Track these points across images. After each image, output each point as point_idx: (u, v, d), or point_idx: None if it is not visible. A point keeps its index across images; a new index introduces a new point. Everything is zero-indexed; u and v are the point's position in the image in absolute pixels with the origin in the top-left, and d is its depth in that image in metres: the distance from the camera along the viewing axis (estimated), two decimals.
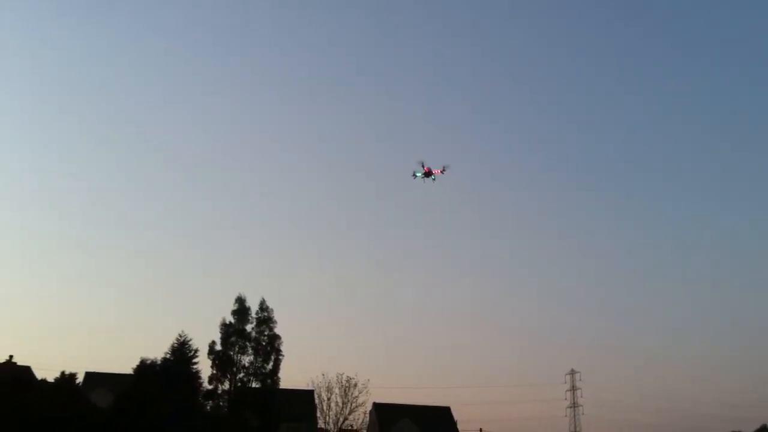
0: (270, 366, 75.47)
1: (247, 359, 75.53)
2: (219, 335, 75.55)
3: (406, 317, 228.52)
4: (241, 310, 76.19)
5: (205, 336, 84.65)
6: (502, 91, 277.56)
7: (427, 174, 68.75)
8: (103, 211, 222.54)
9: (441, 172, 68.99)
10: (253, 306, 77.19)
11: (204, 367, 74.60)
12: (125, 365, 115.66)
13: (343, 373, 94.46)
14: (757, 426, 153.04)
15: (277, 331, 76.42)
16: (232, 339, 75.08)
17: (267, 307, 76.72)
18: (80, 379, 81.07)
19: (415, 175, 68.44)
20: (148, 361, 71.64)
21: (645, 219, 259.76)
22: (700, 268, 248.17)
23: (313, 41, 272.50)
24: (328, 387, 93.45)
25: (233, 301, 77.35)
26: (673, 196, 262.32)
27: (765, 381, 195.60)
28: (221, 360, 74.80)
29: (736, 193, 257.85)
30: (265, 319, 76.22)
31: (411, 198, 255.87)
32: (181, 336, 73.47)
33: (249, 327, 76.18)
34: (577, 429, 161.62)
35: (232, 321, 76.10)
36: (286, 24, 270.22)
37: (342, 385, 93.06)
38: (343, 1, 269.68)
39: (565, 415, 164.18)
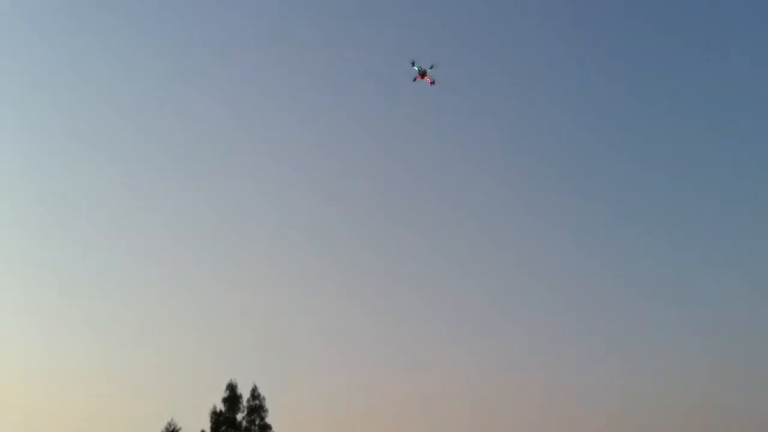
0: None
1: None
2: (209, 424, 73.86)
3: (413, 407, 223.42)
4: (231, 397, 74.65)
5: (194, 424, 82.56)
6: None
7: (420, 77, 69.04)
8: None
9: (431, 83, 68.39)
10: (245, 393, 75.74)
11: None
12: None
13: None
14: None
15: (269, 420, 74.88)
16: (223, 428, 73.38)
17: (259, 395, 75.11)
18: None
19: (414, 65, 68.90)
20: None
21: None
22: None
23: None
24: None
25: (224, 387, 75.91)
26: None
27: None
28: None
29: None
30: (257, 408, 74.58)
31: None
32: (170, 425, 72.07)
33: (240, 415, 74.55)
34: None
35: (223, 409, 74.49)
36: None
37: None
38: None
39: None
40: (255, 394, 75.16)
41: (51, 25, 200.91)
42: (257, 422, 73.83)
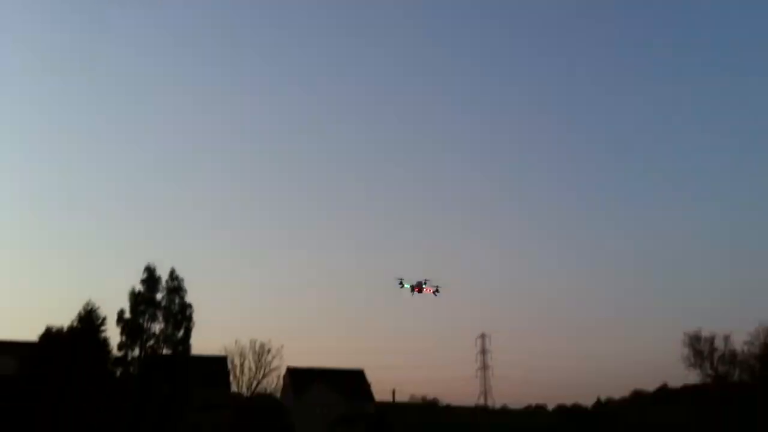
0: (181, 333, 75.42)
1: (157, 327, 75.25)
2: (128, 304, 74.90)
3: (320, 282, 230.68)
4: (150, 278, 75.50)
5: (113, 305, 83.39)
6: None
7: (416, 290, 62.10)
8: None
9: (433, 292, 61.00)
10: (164, 275, 76.68)
11: (113, 335, 74.20)
12: (30, 334, 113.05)
13: (257, 339, 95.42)
14: (658, 384, 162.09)
15: (188, 299, 76.36)
16: (142, 307, 74.50)
17: (177, 276, 76.29)
18: None
19: (402, 285, 62.06)
20: (54, 329, 70.79)
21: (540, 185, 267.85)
22: (605, 224, 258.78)
23: None
24: (241, 353, 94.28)
25: (142, 270, 76.60)
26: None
27: (668, 341, 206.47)
28: (130, 328, 74.17)
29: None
30: (176, 288, 75.83)
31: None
32: (88, 304, 72.93)
33: (159, 296, 75.74)
34: (487, 389, 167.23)
35: (142, 290, 75.44)
36: None
37: (255, 351, 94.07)
38: None
39: (476, 377, 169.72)
40: (173, 276, 76.25)
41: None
42: (176, 301, 75.24)
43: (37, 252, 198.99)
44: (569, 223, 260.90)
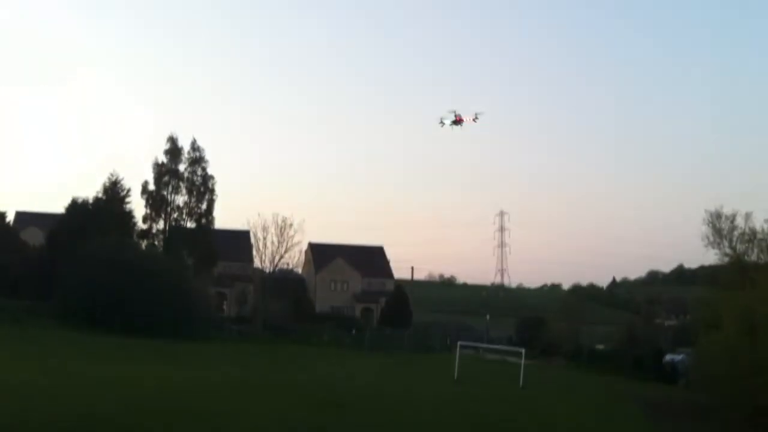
0: (204, 206, 76.06)
1: (181, 199, 75.94)
2: (152, 175, 75.23)
3: (342, 160, 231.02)
4: (173, 149, 75.32)
5: (137, 176, 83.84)
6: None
7: (457, 122, 62.19)
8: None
9: (473, 120, 60.23)
10: (186, 146, 76.36)
11: (137, 207, 74.89)
12: (57, 205, 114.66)
13: (279, 214, 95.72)
14: (674, 266, 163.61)
15: (210, 171, 76.32)
16: (165, 179, 74.75)
17: (199, 147, 76.13)
18: (11, 218, 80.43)
19: (442, 123, 62.09)
20: (80, 200, 71.23)
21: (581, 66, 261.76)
22: (626, 113, 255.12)
23: None
24: (264, 227, 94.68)
25: (165, 140, 76.32)
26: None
27: (683, 222, 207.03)
28: (154, 200, 74.85)
29: None
30: (198, 159, 75.79)
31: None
32: (112, 175, 73.02)
33: (182, 167, 75.78)
34: (504, 267, 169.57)
35: (165, 161, 75.44)
36: None
37: (278, 225, 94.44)
38: None
39: (493, 254, 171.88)
40: (195, 146, 76.08)
41: None
42: (199, 172, 75.31)
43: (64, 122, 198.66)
44: (597, 101, 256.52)
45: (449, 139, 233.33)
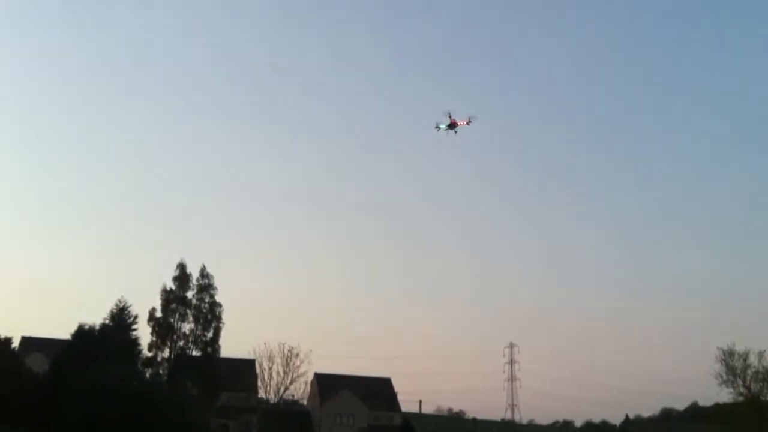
0: (210, 334, 75.70)
1: (187, 327, 75.74)
2: (159, 301, 75.33)
3: (350, 289, 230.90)
4: (181, 276, 75.93)
5: (145, 302, 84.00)
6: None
7: (452, 126, 63.14)
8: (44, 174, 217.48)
9: (467, 123, 61.90)
10: (194, 272, 76.99)
11: (144, 333, 74.50)
12: (62, 330, 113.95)
13: (285, 343, 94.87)
14: (688, 403, 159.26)
15: (218, 298, 76.55)
16: (173, 306, 74.88)
17: (208, 274, 76.77)
18: (16, 343, 80.00)
19: (438, 128, 62.75)
20: (86, 327, 70.98)
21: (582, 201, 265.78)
22: (633, 243, 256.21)
23: None
24: (269, 356, 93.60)
25: (174, 267, 77.05)
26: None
27: (696, 360, 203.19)
28: (161, 327, 74.72)
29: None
30: (206, 286, 76.18)
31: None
32: (120, 302, 72.98)
33: (190, 294, 76.05)
34: (515, 402, 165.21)
35: (173, 287, 75.81)
36: None
37: (284, 355, 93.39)
38: None
39: (503, 388, 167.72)
40: (204, 273, 76.63)
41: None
42: (206, 300, 75.43)
43: (71, 250, 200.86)
44: (604, 237, 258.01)
45: (463, 269, 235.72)
